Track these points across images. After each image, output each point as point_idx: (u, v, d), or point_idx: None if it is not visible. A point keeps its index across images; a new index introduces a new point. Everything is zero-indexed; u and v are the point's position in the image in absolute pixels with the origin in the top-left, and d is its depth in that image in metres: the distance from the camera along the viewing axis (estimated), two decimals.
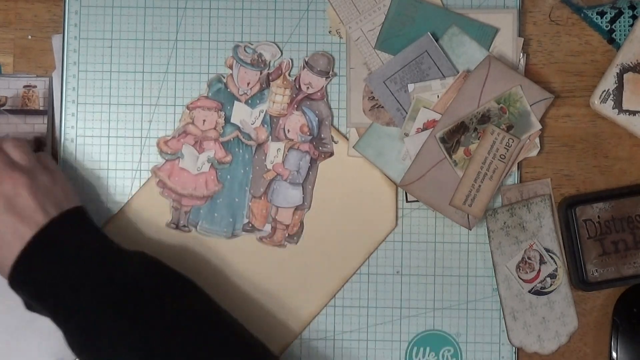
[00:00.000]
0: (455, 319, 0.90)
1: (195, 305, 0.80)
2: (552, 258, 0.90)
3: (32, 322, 0.86)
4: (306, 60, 0.91)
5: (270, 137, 0.90)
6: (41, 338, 0.88)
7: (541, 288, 0.90)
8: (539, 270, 0.89)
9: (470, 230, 0.89)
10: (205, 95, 0.91)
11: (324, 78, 0.91)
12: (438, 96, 0.89)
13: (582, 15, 0.92)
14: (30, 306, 0.80)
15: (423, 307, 0.90)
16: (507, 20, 0.90)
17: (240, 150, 0.90)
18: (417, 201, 0.90)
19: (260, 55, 0.91)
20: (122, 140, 0.91)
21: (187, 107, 0.91)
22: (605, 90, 0.89)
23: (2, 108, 0.90)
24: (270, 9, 0.91)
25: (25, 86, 0.90)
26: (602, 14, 0.92)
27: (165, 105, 0.91)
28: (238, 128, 0.90)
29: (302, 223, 0.90)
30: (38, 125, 0.90)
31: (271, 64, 0.91)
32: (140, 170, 0.91)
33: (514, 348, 0.90)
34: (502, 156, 0.88)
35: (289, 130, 0.90)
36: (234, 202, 0.90)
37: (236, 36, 0.91)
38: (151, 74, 0.91)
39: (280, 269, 0.90)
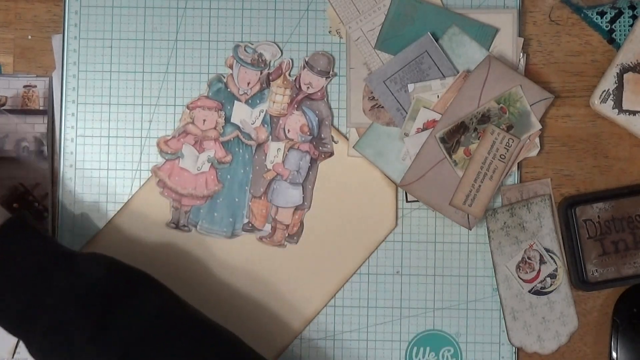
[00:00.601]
0: (455, 319, 0.90)
1: (161, 302, 0.79)
2: (552, 258, 0.90)
3: None
4: (306, 60, 0.91)
5: (270, 137, 0.90)
6: None
7: (541, 288, 0.90)
8: (539, 270, 0.89)
9: (470, 230, 0.89)
10: (206, 95, 0.91)
11: (324, 78, 0.91)
12: (438, 96, 0.89)
13: (582, 15, 0.92)
14: None
15: (423, 307, 0.90)
16: (507, 20, 0.90)
17: (241, 150, 0.90)
18: (417, 201, 0.90)
19: (260, 55, 0.91)
20: (122, 140, 0.91)
21: (187, 107, 0.91)
22: (605, 90, 0.89)
23: (2, 108, 0.90)
24: (270, 9, 0.91)
25: (25, 86, 0.90)
26: (602, 14, 0.92)
27: (165, 105, 0.91)
28: (238, 128, 0.90)
29: (302, 223, 0.90)
30: (38, 125, 0.90)
31: (271, 64, 0.91)
32: (140, 170, 0.91)
33: (514, 348, 0.90)
34: (502, 156, 0.88)
35: (289, 130, 0.90)
36: (234, 202, 0.90)
37: (236, 36, 0.91)
38: (151, 74, 0.91)
39: (280, 269, 0.90)
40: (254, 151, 0.90)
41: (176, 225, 0.90)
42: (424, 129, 0.89)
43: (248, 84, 0.91)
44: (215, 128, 0.90)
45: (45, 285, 0.76)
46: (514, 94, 0.88)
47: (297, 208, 0.90)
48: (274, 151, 0.90)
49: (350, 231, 0.90)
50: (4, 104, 0.90)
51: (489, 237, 0.90)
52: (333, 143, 0.90)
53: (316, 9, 0.91)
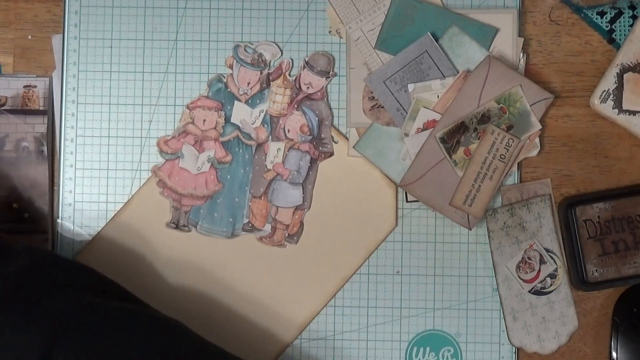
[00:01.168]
0: (455, 319, 0.90)
1: (98, 292, 0.79)
2: (552, 258, 0.90)
3: None
4: (306, 60, 0.91)
5: (270, 137, 0.90)
6: None
7: (541, 288, 0.90)
8: (539, 270, 0.89)
9: (470, 230, 0.89)
10: (206, 95, 0.91)
11: (324, 78, 0.91)
12: (438, 96, 0.89)
13: (582, 15, 0.92)
14: None
15: (423, 307, 0.90)
16: (507, 20, 0.90)
17: (240, 150, 0.90)
18: (417, 201, 0.90)
19: (260, 55, 0.91)
20: (122, 140, 0.91)
21: (187, 107, 0.91)
22: (605, 90, 0.89)
23: (2, 108, 0.90)
24: (270, 9, 0.91)
25: (25, 86, 0.90)
26: (602, 14, 0.92)
27: (165, 105, 0.91)
28: (238, 128, 0.90)
29: (302, 223, 0.90)
30: (38, 125, 0.90)
31: (271, 64, 0.91)
32: (140, 170, 0.91)
33: (514, 348, 0.90)
34: (502, 156, 0.88)
35: (289, 130, 0.90)
36: (234, 202, 0.90)
37: (236, 36, 0.91)
38: (151, 74, 0.91)
39: (280, 269, 0.90)
40: (254, 151, 0.90)
41: (176, 225, 0.90)
42: (424, 129, 0.89)
43: (248, 84, 0.91)
44: (215, 128, 0.90)
45: None
46: (514, 94, 0.88)
47: (297, 208, 0.90)
48: (274, 151, 0.90)
49: (350, 231, 0.90)
50: (4, 104, 0.90)
51: (489, 237, 0.90)
52: (333, 143, 0.90)
53: (316, 9, 0.91)
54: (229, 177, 0.90)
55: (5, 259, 0.79)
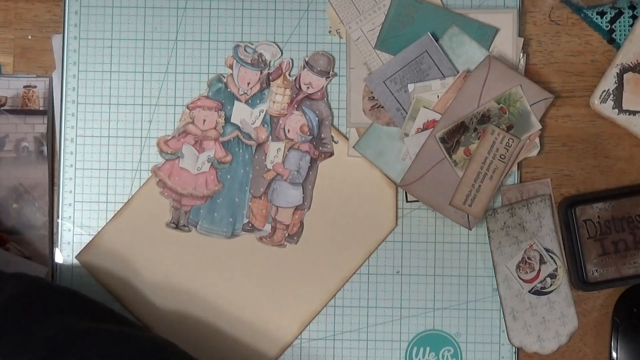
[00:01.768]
0: (455, 319, 0.90)
1: (88, 316, 0.79)
2: (552, 258, 0.90)
3: None
4: (306, 60, 0.91)
5: (270, 137, 0.90)
6: None
7: (541, 288, 0.90)
8: (539, 270, 0.89)
9: (470, 230, 0.89)
10: (206, 95, 0.91)
11: (324, 78, 0.91)
12: (438, 96, 0.89)
13: (582, 15, 0.92)
14: None
15: (423, 307, 0.90)
16: (507, 20, 0.90)
17: (240, 150, 0.90)
18: (417, 201, 0.90)
19: (260, 55, 0.91)
20: (122, 140, 0.91)
21: (187, 107, 0.91)
22: (605, 90, 0.89)
23: (2, 108, 0.90)
24: (270, 9, 0.91)
25: (25, 86, 0.90)
26: (602, 14, 0.92)
27: (165, 105, 0.91)
28: (238, 128, 0.90)
29: (302, 223, 0.90)
30: (38, 125, 0.90)
31: (271, 64, 0.91)
32: (140, 170, 0.91)
33: (514, 348, 0.90)
34: (502, 156, 0.88)
35: (289, 130, 0.90)
36: (234, 202, 0.90)
37: (236, 36, 0.91)
38: (151, 74, 0.91)
39: (280, 269, 0.90)
40: (254, 151, 0.90)
41: (176, 225, 0.90)
42: (424, 129, 0.89)
43: (248, 84, 0.91)
44: (215, 128, 0.90)
45: None
46: (514, 94, 0.88)
47: (297, 208, 0.90)
48: (274, 151, 0.90)
49: (350, 231, 0.90)
50: (4, 104, 0.90)
51: (489, 237, 0.90)
52: (333, 143, 0.90)
53: (316, 9, 0.91)
54: (229, 177, 0.90)
55: None
